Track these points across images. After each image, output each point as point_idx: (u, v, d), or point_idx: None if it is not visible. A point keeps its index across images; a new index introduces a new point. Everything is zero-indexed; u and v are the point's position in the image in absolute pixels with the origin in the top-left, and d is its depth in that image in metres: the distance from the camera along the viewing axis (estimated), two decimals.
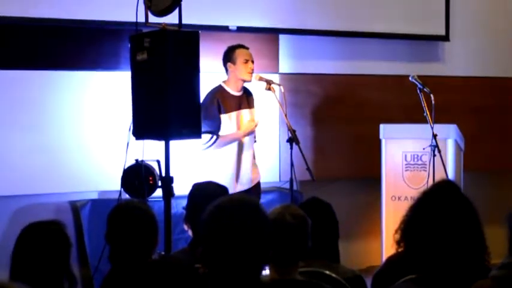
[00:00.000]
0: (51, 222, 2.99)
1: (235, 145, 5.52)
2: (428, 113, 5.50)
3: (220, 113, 5.47)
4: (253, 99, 5.71)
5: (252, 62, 5.55)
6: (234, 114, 5.52)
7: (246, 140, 5.57)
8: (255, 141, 5.75)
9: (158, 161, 4.72)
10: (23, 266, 2.87)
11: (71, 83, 5.74)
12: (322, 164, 6.59)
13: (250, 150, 5.60)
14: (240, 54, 5.54)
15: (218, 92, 5.54)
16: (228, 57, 5.56)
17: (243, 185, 5.55)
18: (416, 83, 5.63)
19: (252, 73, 5.54)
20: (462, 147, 6.32)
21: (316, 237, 3.10)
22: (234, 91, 5.56)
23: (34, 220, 3.01)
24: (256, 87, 5.74)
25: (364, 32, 6.79)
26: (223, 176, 5.29)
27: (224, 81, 5.59)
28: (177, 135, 4.53)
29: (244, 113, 5.59)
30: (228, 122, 5.49)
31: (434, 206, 2.89)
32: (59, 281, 2.91)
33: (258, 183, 5.71)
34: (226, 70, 5.58)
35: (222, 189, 3.93)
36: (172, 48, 4.46)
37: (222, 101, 5.49)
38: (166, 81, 4.44)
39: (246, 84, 5.64)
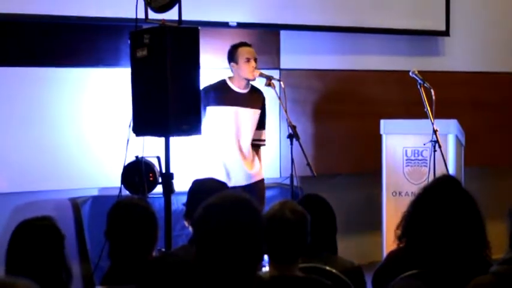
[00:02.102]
0: (41, 218, 2.99)
1: (219, 144, 5.52)
2: (428, 108, 5.48)
3: (209, 104, 5.47)
4: (260, 100, 5.66)
5: (255, 59, 5.54)
6: (229, 109, 5.51)
7: (230, 138, 5.54)
8: (264, 145, 5.75)
9: (158, 158, 4.71)
10: (18, 264, 2.87)
11: (70, 79, 5.74)
12: (322, 159, 6.59)
13: (235, 147, 5.57)
14: (241, 53, 5.53)
15: (218, 85, 5.55)
16: (231, 57, 5.55)
17: (238, 181, 5.53)
18: (417, 78, 5.61)
19: (253, 71, 5.52)
20: (463, 143, 6.31)
21: (315, 232, 3.09)
22: (236, 88, 5.55)
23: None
24: (256, 83, 5.72)
25: (365, 28, 6.79)
26: (216, 173, 5.30)
27: (229, 77, 5.59)
28: (177, 131, 4.53)
29: (242, 111, 5.56)
30: (222, 115, 5.49)
31: (435, 201, 2.90)
32: (57, 274, 2.91)
33: (261, 181, 5.69)
34: (231, 69, 5.58)
35: (222, 185, 3.92)
36: (172, 45, 4.45)
37: (218, 93, 5.49)
38: (166, 77, 4.43)
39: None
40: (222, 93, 5.52)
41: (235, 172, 5.54)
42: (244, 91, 5.59)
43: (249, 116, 5.59)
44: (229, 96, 5.54)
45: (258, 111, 5.65)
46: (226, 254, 2.21)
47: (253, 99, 5.63)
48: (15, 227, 2.96)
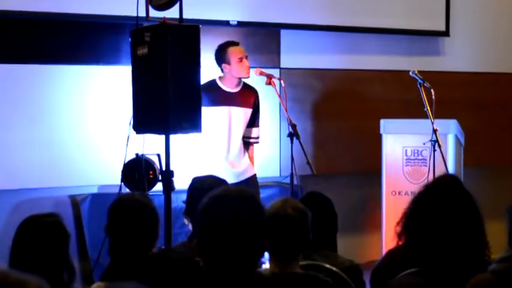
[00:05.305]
0: (48, 214, 2.99)
1: (210, 143, 5.53)
2: (428, 108, 5.49)
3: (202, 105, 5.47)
4: (253, 98, 5.62)
5: (246, 57, 5.53)
6: (222, 109, 5.50)
7: (221, 137, 5.54)
8: (257, 142, 5.73)
9: (158, 155, 4.71)
10: (21, 260, 2.87)
11: (71, 77, 5.74)
12: (322, 158, 6.59)
13: (224, 146, 5.55)
14: (232, 54, 5.49)
15: (209, 85, 5.47)
16: (222, 58, 5.50)
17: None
18: (417, 77, 5.63)
19: (249, 70, 5.52)
20: (462, 142, 6.33)
21: (316, 230, 3.10)
22: (228, 88, 5.53)
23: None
24: (256, 82, 5.73)
25: (365, 27, 6.80)
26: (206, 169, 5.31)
27: (219, 77, 5.57)
28: (177, 129, 4.53)
29: (235, 110, 5.54)
30: (215, 115, 5.48)
31: (436, 200, 2.89)
32: (59, 273, 2.91)
33: (252, 177, 5.65)
34: (222, 70, 5.55)
35: (222, 182, 3.92)
36: (173, 43, 4.45)
37: (210, 94, 5.43)
38: (167, 75, 4.43)
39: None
40: (213, 94, 5.49)
41: (219, 171, 5.49)
42: (235, 90, 5.56)
43: (240, 115, 5.56)
44: (221, 96, 5.51)
45: (249, 110, 5.61)
46: (228, 247, 2.21)
47: (245, 98, 5.59)
48: (21, 222, 2.95)
